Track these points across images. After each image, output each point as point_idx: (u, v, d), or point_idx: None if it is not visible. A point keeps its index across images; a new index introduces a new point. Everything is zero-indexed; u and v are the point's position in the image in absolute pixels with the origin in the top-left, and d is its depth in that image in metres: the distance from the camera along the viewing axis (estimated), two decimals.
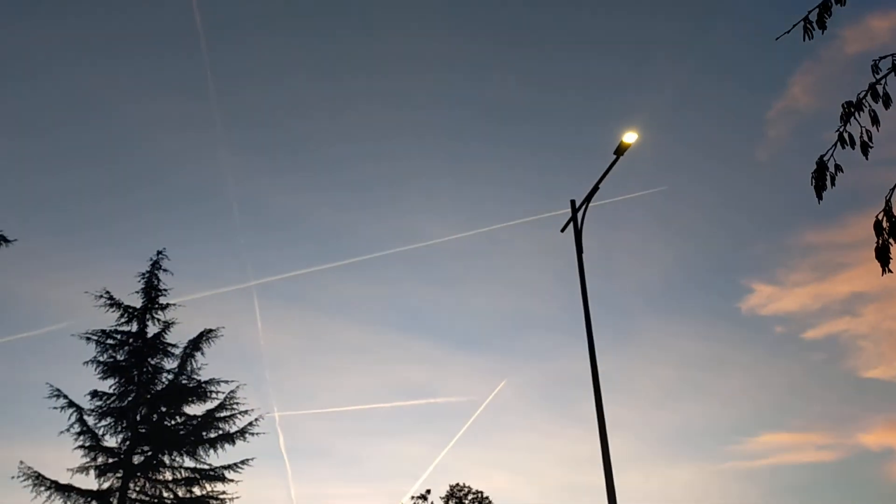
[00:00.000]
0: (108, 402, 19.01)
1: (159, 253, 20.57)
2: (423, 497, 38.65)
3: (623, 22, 56.54)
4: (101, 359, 19.20)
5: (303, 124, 57.81)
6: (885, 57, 3.57)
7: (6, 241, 17.32)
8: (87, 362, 19.17)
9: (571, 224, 17.02)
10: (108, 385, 19.25)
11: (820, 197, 3.79)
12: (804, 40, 3.71)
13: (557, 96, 58.27)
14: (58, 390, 18.56)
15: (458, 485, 39.32)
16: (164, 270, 20.55)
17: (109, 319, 19.90)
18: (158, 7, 51.40)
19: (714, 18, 55.53)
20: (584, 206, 16.98)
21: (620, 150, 15.98)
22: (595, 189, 16.64)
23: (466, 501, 38.61)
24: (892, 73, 3.57)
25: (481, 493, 38.95)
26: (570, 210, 17.34)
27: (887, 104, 3.62)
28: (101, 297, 19.65)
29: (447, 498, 38.73)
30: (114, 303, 19.79)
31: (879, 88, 3.61)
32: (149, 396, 19.24)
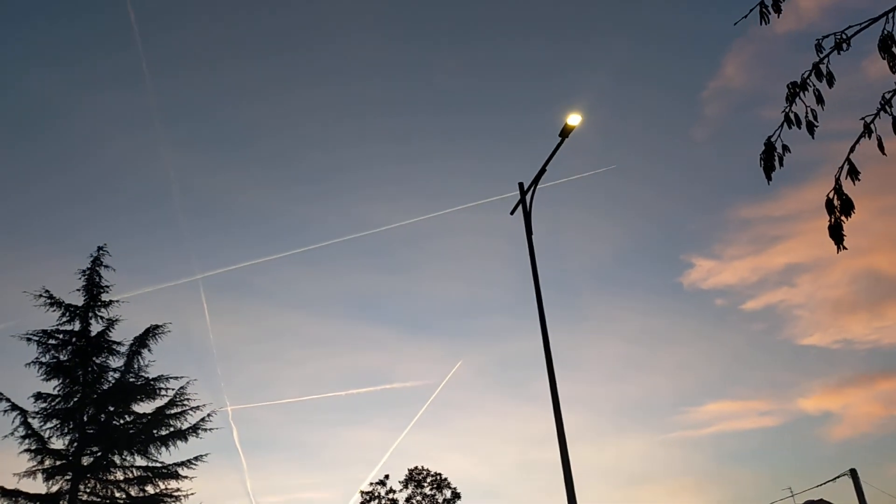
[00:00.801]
0: (53, 403, 18.44)
1: (100, 249, 19.98)
2: (382, 482, 38.75)
3: (559, 8, 56.83)
4: (43, 360, 18.60)
5: (244, 114, 56.66)
6: (827, 36, 3.65)
7: None
8: (29, 364, 18.54)
9: (521, 206, 17.13)
10: (52, 386, 18.68)
11: (769, 178, 3.87)
12: (760, 24, 3.77)
13: (500, 81, 58.41)
14: (0, 393, 17.94)
15: (416, 468, 39.52)
16: (106, 266, 19.98)
17: (51, 319, 19.33)
18: (92, 7, 49.54)
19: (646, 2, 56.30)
20: (532, 189, 17.10)
21: (565, 133, 16.12)
22: (542, 171, 16.76)
23: (425, 484, 38.86)
24: (836, 52, 3.65)
25: (440, 475, 39.25)
26: (518, 193, 17.46)
27: (831, 83, 3.71)
28: (41, 296, 19.00)
29: (406, 482, 38.90)
30: (54, 302, 19.15)
31: (823, 68, 3.70)
32: (95, 396, 18.74)
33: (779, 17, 4.34)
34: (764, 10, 4.19)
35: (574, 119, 15.85)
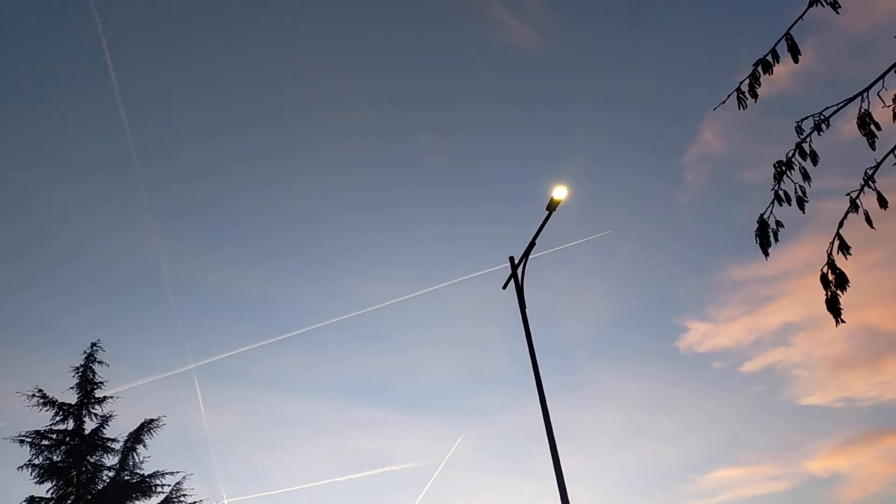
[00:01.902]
0: None
1: (93, 345, 19.83)
2: None
3: (539, 79, 58.55)
4: (36, 461, 18.17)
5: (232, 200, 57.24)
6: (806, 118, 3.88)
7: None
8: (21, 467, 18.11)
9: (513, 281, 17.28)
10: (45, 489, 18.20)
11: (766, 253, 4.03)
12: (739, 109, 4.00)
13: (485, 156, 59.52)
14: None
15: None
16: (100, 362, 19.79)
17: (44, 419, 18.99)
18: (76, 88, 50.60)
19: (627, 70, 58.14)
20: (522, 262, 17.30)
21: (552, 206, 16.43)
22: (532, 245, 17.00)
23: None
24: (816, 132, 3.87)
25: None
26: (509, 266, 17.64)
27: (815, 161, 3.92)
28: (34, 395, 18.73)
29: None
30: (47, 401, 18.87)
31: (806, 147, 3.91)
32: (90, 497, 18.25)
33: (755, 101, 4.59)
34: (741, 95, 4.44)
35: (560, 192, 16.19)
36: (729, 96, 4.11)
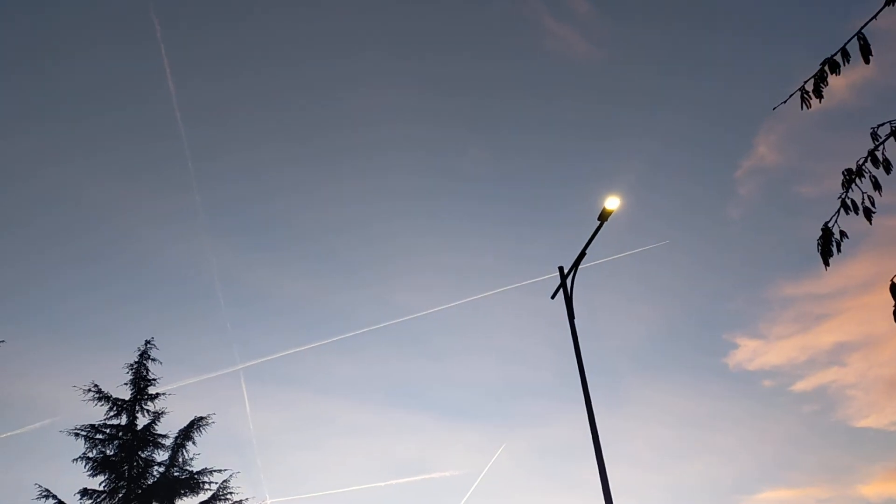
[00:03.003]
0: (98, 499, 18.39)
1: (147, 343, 20.32)
2: None
3: (589, 86, 58.10)
4: (90, 455, 18.68)
5: (280, 206, 58.14)
6: (882, 124, 3.76)
7: None
8: (76, 459, 18.64)
9: (561, 291, 17.14)
10: (98, 482, 18.69)
11: (827, 263, 3.91)
12: (802, 108, 3.89)
13: (533, 164, 59.21)
14: (47, 490, 17.95)
15: None
16: (153, 360, 20.27)
17: (98, 413, 19.52)
18: (136, 96, 52.13)
19: (680, 80, 57.31)
20: (572, 272, 17.15)
21: (604, 216, 16.25)
22: (582, 255, 16.84)
23: None
24: (892, 138, 3.75)
25: None
26: (557, 275, 17.50)
27: (888, 170, 3.79)
28: (89, 390, 19.28)
29: None
30: (102, 396, 19.40)
31: (879, 154, 3.78)
32: (140, 492, 18.66)
33: (820, 102, 4.46)
34: (805, 95, 4.32)
35: (612, 202, 16.02)
36: (791, 95, 4.00)
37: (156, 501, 18.73)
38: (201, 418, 20.00)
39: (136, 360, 20.15)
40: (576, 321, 16.82)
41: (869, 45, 3.80)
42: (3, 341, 17.40)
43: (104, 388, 19.54)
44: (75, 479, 19.01)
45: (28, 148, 48.67)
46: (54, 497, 18.02)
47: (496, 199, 58.86)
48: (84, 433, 18.89)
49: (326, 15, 54.25)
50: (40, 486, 17.97)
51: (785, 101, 4.09)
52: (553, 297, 17.67)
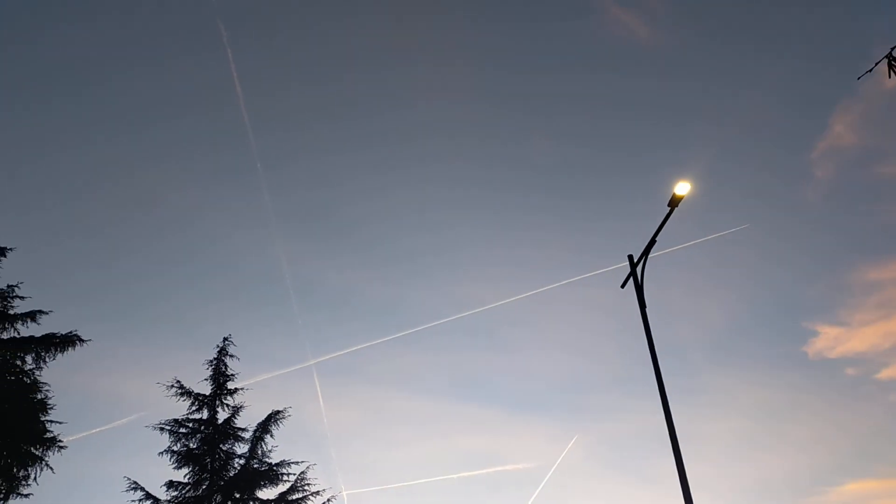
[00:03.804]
0: (183, 491, 19.14)
1: (225, 339, 21.01)
2: None
3: (655, 72, 56.75)
4: (175, 448, 19.46)
5: (348, 205, 58.93)
6: None
7: (81, 340, 17.99)
8: (161, 452, 19.47)
9: (632, 280, 16.88)
10: (182, 474, 19.45)
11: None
12: (889, 76, 3.73)
13: (599, 153, 58.33)
14: (135, 483, 18.77)
15: None
16: (231, 356, 20.95)
17: (181, 408, 20.32)
18: (209, 104, 53.69)
19: (752, 60, 55.47)
20: (642, 261, 16.86)
21: (674, 202, 15.90)
22: (652, 242, 16.53)
23: None
24: None
25: None
26: (626, 264, 17.23)
27: None
28: (172, 386, 20.07)
29: None
30: (184, 391, 20.16)
31: None
32: (222, 483, 19.32)
33: None
34: (893, 62, 4.13)
35: (682, 188, 15.67)
36: (878, 63, 3.83)
37: (237, 492, 19.36)
38: (278, 412, 20.56)
39: (215, 356, 20.86)
40: (647, 310, 16.53)
41: None
42: (90, 340, 18.28)
43: (186, 384, 20.32)
44: (161, 471, 19.80)
45: (113, 155, 50.80)
46: (142, 489, 18.84)
47: (561, 188, 58.28)
48: (168, 427, 19.69)
49: (388, 17, 54.72)
50: (129, 479, 18.82)
51: (871, 70, 3.92)
52: (623, 286, 17.41)
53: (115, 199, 51.70)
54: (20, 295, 17.95)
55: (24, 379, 17.34)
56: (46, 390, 17.46)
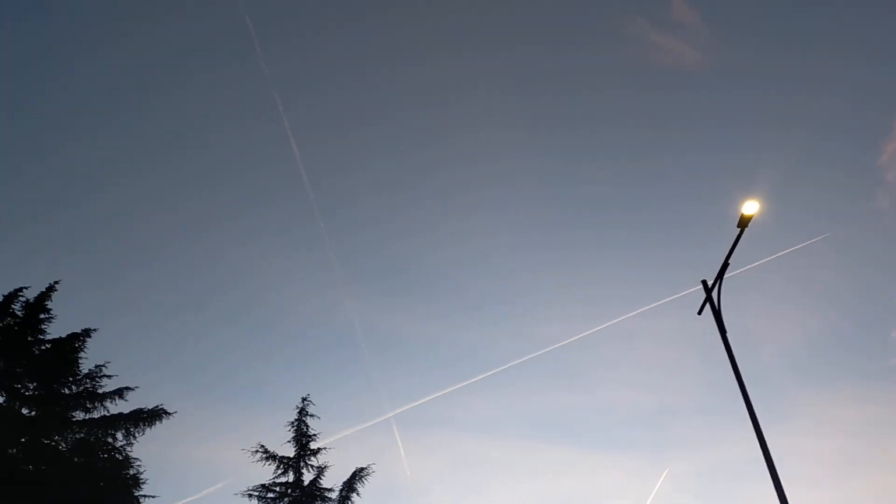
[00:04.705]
0: None
1: (304, 400, 21.24)
2: None
3: (707, 93, 56.03)
4: None
5: (409, 250, 59.51)
6: None
7: (167, 413, 18.45)
8: None
9: (708, 305, 16.41)
10: None
11: None
12: None
13: (656, 182, 57.69)
14: None
15: None
16: (311, 416, 21.14)
17: (267, 472, 20.55)
18: (265, 161, 55.37)
19: (812, 64, 54.27)
20: (717, 284, 16.40)
21: (743, 223, 15.51)
22: (725, 265, 16.09)
23: None
24: None
25: None
26: (699, 288, 16.81)
27: None
28: (257, 451, 20.31)
29: None
30: (269, 455, 20.37)
31: None
32: None
33: None
34: None
35: (751, 207, 15.29)
36: None
37: None
38: (362, 469, 20.56)
39: (296, 417, 21.08)
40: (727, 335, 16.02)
41: None
42: (175, 412, 18.74)
43: (270, 448, 20.54)
44: None
45: (169, 221, 52.69)
46: None
47: (620, 221, 57.56)
48: (256, 493, 19.88)
49: (433, 61, 55.76)
50: None
51: None
52: (700, 312, 16.94)
53: (174, 265, 53.38)
54: (107, 374, 18.58)
55: (117, 455, 17.82)
56: (138, 465, 17.90)
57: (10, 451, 16.83)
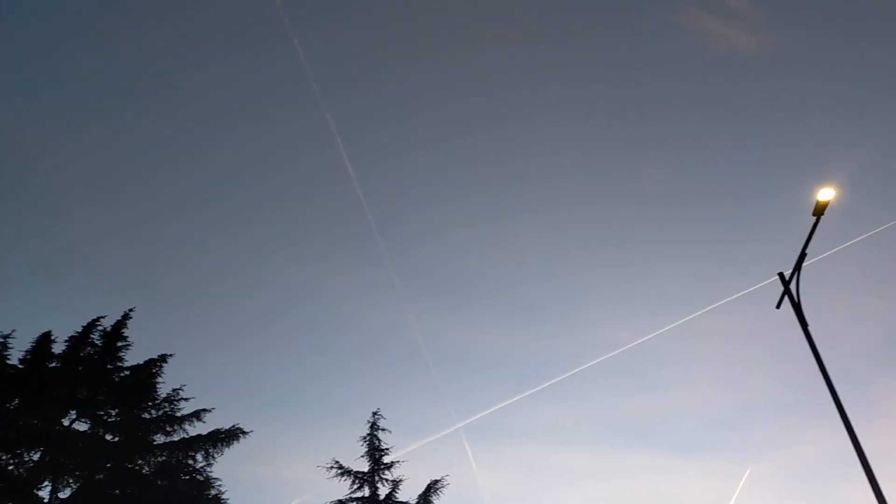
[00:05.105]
0: None
1: (374, 414, 21.30)
2: None
3: (763, 78, 54.51)
4: None
5: (466, 263, 59.46)
6: None
7: (244, 433, 18.74)
8: None
9: (787, 298, 15.80)
10: None
11: None
12: None
13: (718, 173, 56.29)
14: None
15: None
16: (382, 430, 21.18)
17: (342, 488, 20.65)
18: (324, 189, 56.20)
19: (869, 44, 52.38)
20: (795, 275, 15.79)
21: (819, 210, 14.91)
22: (802, 256, 15.50)
23: None
24: None
25: None
26: (771, 281, 16.25)
27: None
28: (332, 467, 20.43)
29: None
30: (344, 471, 20.47)
31: None
32: None
33: None
34: None
35: (826, 194, 14.70)
36: None
37: None
38: (436, 481, 20.47)
39: (368, 432, 21.14)
40: (794, 327, 15.40)
41: None
42: (251, 431, 19.02)
43: (344, 463, 20.63)
44: None
45: (235, 245, 53.87)
46: None
47: (682, 215, 56.30)
48: None
49: (483, 70, 55.87)
50: None
51: None
52: (778, 306, 16.33)
53: (257, 297, 54.49)
54: (184, 396, 19.02)
55: (197, 477, 18.17)
56: (218, 486, 18.21)
57: (97, 476, 17.33)
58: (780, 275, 16.13)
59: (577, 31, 54.37)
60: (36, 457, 17.27)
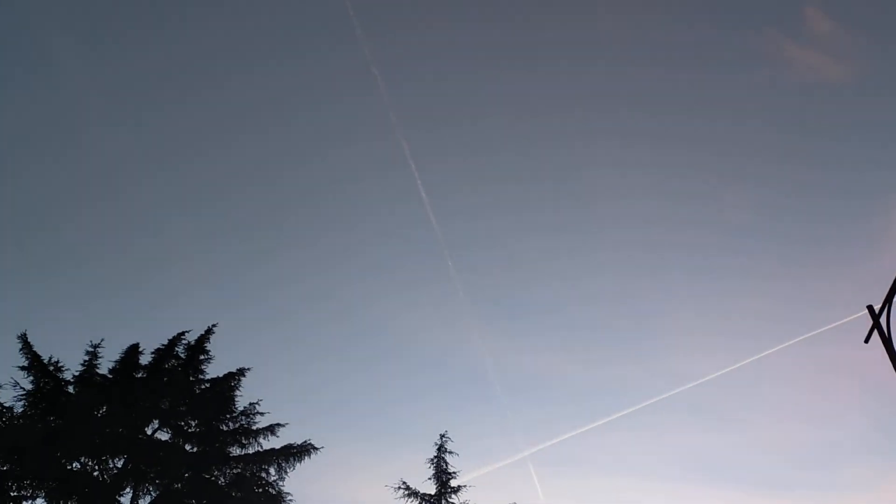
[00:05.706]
0: None
1: (442, 437, 21.30)
2: None
3: (848, 105, 52.52)
4: None
5: (536, 290, 59.06)
6: None
7: (315, 448, 19.10)
8: None
9: (876, 332, 15.06)
10: None
11: None
12: None
13: (802, 202, 54.35)
14: None
15: None
16: (450, 452, 21.15)
17: None
18: (398, 214, 57.07)
19: None
20: (885, 309, 15.03)
21: None
22: (894, 288, 14.75)
23: None
24: None
25: None
26: (860, 315, 15.48)
27: None
28: (399, 488, 20.51)
29: None
30: (411, 492, 20.52)
31: None
32: None
33: None
34: None
35: None
36: None
37: None
38: None
39: (436, 454, 21.14)
40: (878, 359, 14.61)
41: None
42: (322, 447, 19.36)
43: (412, 485, 20.68)
44: None
45: (302, 259, 55.15)
46: None
47: (762, 244, 54.44)
48: None
49: (555, 87, 55.85)
50: None
51: None
52: (867, 340, 15.58)
53: (340, 321, 55.53)
54: (260, 411, 19.53)
55: (270, 490, 18.58)
56: (290, 500, 18.57)
57: (176, 485, 17.96)
58: (870, 307, 15.38)
59: (660, 61, 53.76)
60: (119, 464, 18.05)
